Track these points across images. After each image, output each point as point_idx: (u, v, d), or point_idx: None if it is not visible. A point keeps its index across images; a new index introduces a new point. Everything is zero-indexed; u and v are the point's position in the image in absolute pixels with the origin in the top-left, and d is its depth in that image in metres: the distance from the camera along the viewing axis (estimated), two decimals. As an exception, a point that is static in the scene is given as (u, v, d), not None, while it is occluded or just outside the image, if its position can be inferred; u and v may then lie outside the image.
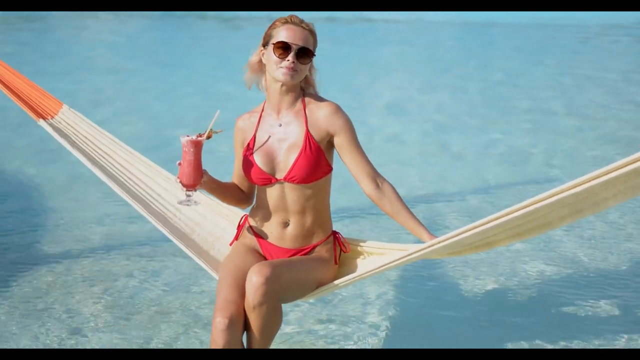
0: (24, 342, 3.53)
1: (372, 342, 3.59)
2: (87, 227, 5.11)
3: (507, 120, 8.64)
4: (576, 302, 3.99)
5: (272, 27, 2.86)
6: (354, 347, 3.55)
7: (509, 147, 7.43)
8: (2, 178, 6.31)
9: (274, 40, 2.82)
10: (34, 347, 3.48)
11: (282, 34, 2.81)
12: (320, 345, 3.57)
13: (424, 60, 14.03)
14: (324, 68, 2.98)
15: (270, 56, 2.83)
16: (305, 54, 2.81)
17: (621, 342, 3.57)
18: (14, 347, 3.49)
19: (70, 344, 3.53)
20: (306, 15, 2.95)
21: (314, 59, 2.88)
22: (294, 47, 2.80)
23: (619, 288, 4.16)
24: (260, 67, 2.92)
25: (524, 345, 3.55)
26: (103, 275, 4.29)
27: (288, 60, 2.79)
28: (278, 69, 2.81)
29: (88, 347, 3.50)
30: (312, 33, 2.86)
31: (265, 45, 2.87)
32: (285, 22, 2.83)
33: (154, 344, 3.53)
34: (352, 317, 3.82)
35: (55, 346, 3.51)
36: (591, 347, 3.53)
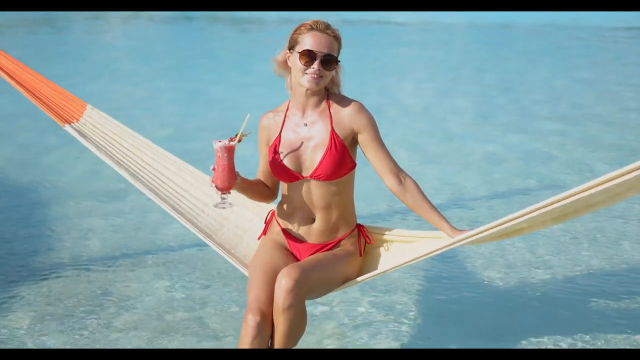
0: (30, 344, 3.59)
1: (383, 342, 3.64)
2: (96, 231, 5.15)
3: (523, 123, 8.57)
4: (585, 302, 4.03)
5: (298, 31, 2.89)
6: (363, 347, 3.60)
7: (524, 150, 7.37)
8: (10, 180, 6.39)
9: (299, 48, 2.86)
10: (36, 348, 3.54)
11: (308, 41, 2.84)
12: (330, 345, 3.63)
13: (436, 63, 13.84)
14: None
15: (295, 62, 2.87)
16: (330, 60, 2.86)
17: (627, 342, 3.60)
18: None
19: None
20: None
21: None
22: (319, 55, 2.84)
23: (628, 288, 4.20)
24: (286, 66, 2.97)
25: (531, 345, 3.59)
26: (110, 281, 4.32)
27: (313, 67, 2.84)
28: (304, 75, 2.86)
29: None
30: (337, 39, 2.90)
31: (291, 49, 2.91)
32: (311, 28, 2.86)
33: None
34: (359, 316, 3.89)
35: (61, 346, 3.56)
36: (601, 347, 3.56)
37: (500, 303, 4.05)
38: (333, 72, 2.92)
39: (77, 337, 3.65)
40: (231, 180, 2.91)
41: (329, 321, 3.82)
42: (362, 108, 2.96)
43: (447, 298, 4.12)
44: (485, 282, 4.29)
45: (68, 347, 3.56)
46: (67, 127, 3.50)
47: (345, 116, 2.94)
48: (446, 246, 2.77)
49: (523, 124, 8.53)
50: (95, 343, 3.59)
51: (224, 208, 2.96)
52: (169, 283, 4.26)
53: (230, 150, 2.87)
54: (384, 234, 3.16)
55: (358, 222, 3.16)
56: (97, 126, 3.58)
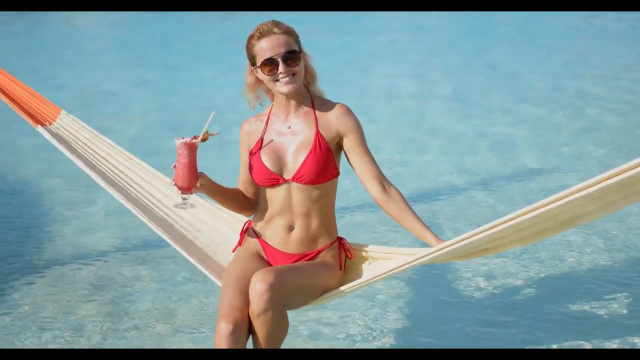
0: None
1: (375, 342, 3.59)
2: (90, 231, 5.08)
3: (508, 114, 8.48)
4: (581, 302, 3.98)
5: (250, 46, 2.83)
6: (356, 346, 3.55)
7: (511, 144, 7.24)
8: (5, 181, 6.27)
9: (258, 62, 2.80)
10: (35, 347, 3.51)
11: (263, 50, 2.77)
12: (322, 345, 3.57)
13: (417, 51, 13.86)
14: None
15: (263, 76, 2.81)
16: (292, 56, 2.78)
17: (621, 343, 3.55)
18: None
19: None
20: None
21: (305, 46, 2.85)
22: (279, 57, 2.76)
23: (621, 287, 4.15)
24: (259, 82, 2.90)
25: (527, 345, 3.55)
26: (106, 281, 4.28)
27: (280, 72, 2.77)
28: (276, 83, 2.80)
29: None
30: (289, 32, 2.82)
31: (253, 65, 2.85)
32: (260, 36, 2.79)
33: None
34: (353, 316, 3.83)
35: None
36: (594, 347, 3.52)
37: (495, 301, 4.01)
38: (303, 64, 2.83)
39: (68, 336, 3.63)
40: (192, 180, 2.80)
41: (308, 320, 3.77)
42: (348, 111, 2.88)
43: (447, 298, 4.07)
44: (479, 280, 4.25)
45: (57, 347, 3.52)
46: (39, 128, 3.43)
47: (332, 118, 2.86)
48: (426, 255, 2.65)
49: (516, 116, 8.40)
50: (87, 342, 3.57)
51: (184, 208, 2.86)
52: (168, 276, 4.28)
53: (191, 148, 2.76)
54: (365, 250, 3.04)
55: (339, 235, 3.04)
56: (70, 131, 3.51)
